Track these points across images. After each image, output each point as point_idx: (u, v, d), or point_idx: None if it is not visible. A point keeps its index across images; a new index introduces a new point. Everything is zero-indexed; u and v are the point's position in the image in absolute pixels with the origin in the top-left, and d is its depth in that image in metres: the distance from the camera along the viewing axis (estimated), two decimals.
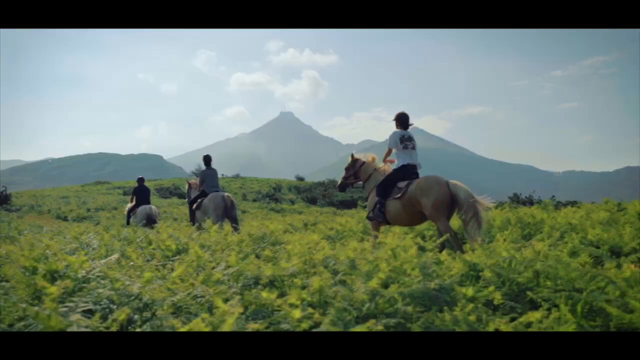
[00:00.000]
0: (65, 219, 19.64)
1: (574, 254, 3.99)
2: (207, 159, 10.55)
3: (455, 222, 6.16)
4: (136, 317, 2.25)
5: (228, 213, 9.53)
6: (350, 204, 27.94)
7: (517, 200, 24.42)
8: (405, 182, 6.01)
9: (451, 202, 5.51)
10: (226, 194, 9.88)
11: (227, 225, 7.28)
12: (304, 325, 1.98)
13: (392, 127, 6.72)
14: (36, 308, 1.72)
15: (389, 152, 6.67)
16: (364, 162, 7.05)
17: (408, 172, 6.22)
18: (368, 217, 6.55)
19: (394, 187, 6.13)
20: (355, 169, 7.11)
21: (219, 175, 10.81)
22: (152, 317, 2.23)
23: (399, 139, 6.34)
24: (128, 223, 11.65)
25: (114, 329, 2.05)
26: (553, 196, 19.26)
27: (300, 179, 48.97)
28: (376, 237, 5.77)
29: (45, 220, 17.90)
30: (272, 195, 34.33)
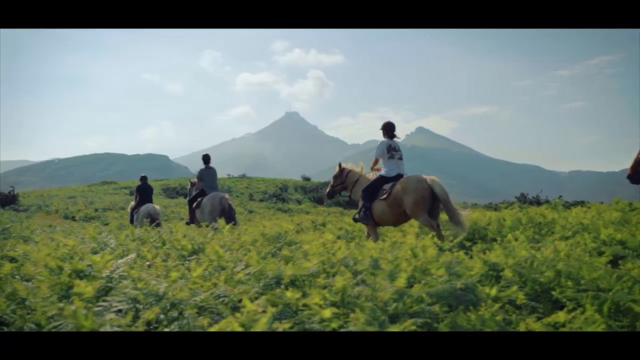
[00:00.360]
0: (73, 219, 19.76)
1: (589, 253, 3.97)
2: (206, 158, 10.65)
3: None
4: (162, 316, 2.27)
5: (226, 215, 9.53)
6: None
7: (524, 200, 24.33)
8: (389, 184, 6.32)
9: (432, 197, 5.83)
10: (225, 195, 9.92)
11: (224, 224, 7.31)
12: (334, 325, 1.98)
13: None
14: (72, 307, 1.73)
15: (376, 161, 6.96)
16: (350, 171, 7.39)
17: (395, 179, 6.46)
18: (354, 219, 6.95)
19: (379, 190, 6.44)
20: (342, 178, 7.46)
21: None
22: (178, 317, 2.24)
23: (385, 148, 6.59)
24: (132, 221, 11.85)
25: (140, 328, 2.06)
26: (560, 196, 19.20)
27: (307, 179, 48.96)
28: (376, 238, 6.04)
29: (53, 220, 18.01)
30: (279, 195, 34.36)
